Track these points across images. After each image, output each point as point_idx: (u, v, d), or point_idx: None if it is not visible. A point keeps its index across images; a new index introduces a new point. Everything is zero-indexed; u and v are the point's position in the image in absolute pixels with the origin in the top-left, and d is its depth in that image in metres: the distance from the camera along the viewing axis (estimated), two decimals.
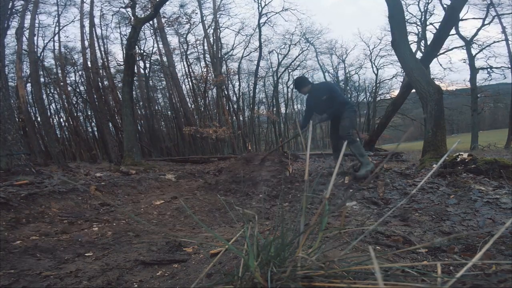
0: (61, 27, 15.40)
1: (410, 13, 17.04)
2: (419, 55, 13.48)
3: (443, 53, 16.71)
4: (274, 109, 23.91)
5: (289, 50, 21.97)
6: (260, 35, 18.79)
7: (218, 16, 17.50)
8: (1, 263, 1.25)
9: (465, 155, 3.27)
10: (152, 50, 17.08)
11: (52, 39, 15.97)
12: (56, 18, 15.20)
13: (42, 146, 14.21)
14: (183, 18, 14.20)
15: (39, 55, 14.84)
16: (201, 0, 16.75)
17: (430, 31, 16.73)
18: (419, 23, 17.65)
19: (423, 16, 17.26)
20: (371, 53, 22.89)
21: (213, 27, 17.27)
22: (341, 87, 22.36)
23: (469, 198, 2.28)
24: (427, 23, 17.20)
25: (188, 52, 18.23)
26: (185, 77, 19.28)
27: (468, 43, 15.33)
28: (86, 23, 13.69)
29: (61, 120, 18.57)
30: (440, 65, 17.93)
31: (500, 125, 32.91)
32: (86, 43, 13.87)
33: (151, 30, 15.75)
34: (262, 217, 2.28)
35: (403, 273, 0.72)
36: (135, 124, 9.30)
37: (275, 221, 2.06)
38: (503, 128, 23.33)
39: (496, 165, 2.93)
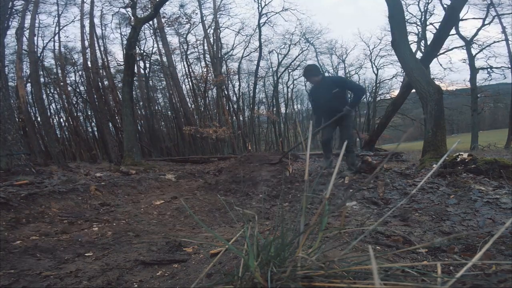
0: (61, 27, 15.43)
1: (410, 13, 17.08)
2: (419, 55, 13.49)
3: (443, 53, 16.74)
4: (274, 109, 23.92)
5: (289, 50, 22.03)
6: (260, 35, 18.81)
7: (218, 16, 17.52)
8: (1, 263, 1.25)
9: (465, 155, 3.27)
10: (152, 50, 17.12)
11: (52, 39, 16.00)
12: (56, 18, 15.23)
13: (42, 146, 14.22)
14: (183, 18, 14.20)
15: (39, 55, 14.84)
16: (201, 0, 16.77)
17: (430, 31, 16.76)
18: (419, 23, 17.66)
19: (423, 16, 17.28)
20: (371, 53, 22.92)
21: (213, 27, 17.29)
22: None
23: (469, 198, 2.28)
24: (427, 23, 17.22)
25: (188, 52, 18.27)
26: (185, 77, 19.32)
27: (468, 43, 15.34)
28: (86, 23, 13.70)
29: (61, 120, 18.61)
30: (440, 65, 17.95)
31: (500, 125, 32.93)
32: (86, 43, 13.89)
33: (151, 30, 15.76)
34: (262, 217, 2.28)
35: (403, 273, 0.72)
36: (135, 124, 9.30)
37: (275, 221, 2.06)
38: (503, 128, 23.34)
39: (496, 165, 2.93)
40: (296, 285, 0.59)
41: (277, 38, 30.04)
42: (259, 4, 18.51)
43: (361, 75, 29.89)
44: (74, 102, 18.15)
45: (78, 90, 17.81)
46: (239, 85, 22.60)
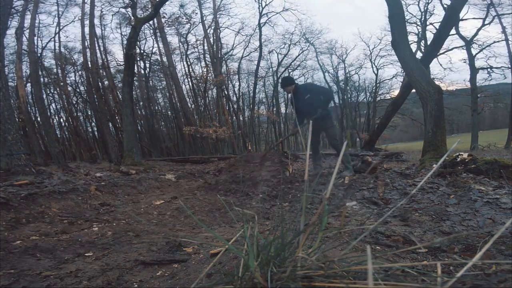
0: (61, 27, 15.43)
1: (410, 13, 17.07)
2: (419, 55, 13.49)
3: (443, 53, 16.73)
4: (274, 109, 23.92)
5: (289, 50, 22.00)
6: (260, 35, 18.79)
7: (218, 16, 17.51)
8: (1, 263, 1.25)
9: (465, 155, 3.27)
10: (152, 50, 17.12)
11: (52, 39, 16.00)
12: (56, 18, 15.23)
13: (42, 146, 14.21)
14: (183, 18, 14.21)
15: (39, 55, 14.84)
16: (201, 0, 16.76)
17: (430, 31, 16.76)
18: (419, 23, 17.66)
19: (423, 16, 17.28)
20: (371, 53, 22.92)
21: (213, 27, 17.28)
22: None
23: (469, 198, 2.28)
24: (427, 23, 17.22)
25: (188, 52, 18.25)
26: (185, 77, 19.30)
27: (468, 43, 15.34)
28: (86, 23, 13.69)
29: (61, 120, 18.60)
30: (440, 65, 17.94)
31: (500, 125, 32.91)
32: (86, 43, 13.89)
33: (151, 30, 15.76)
34: (262, 217, 2.28)
35: (403, 273, 0.72)
36: (135, 124, 9.30)
37: (275, 221, 2.06)
38: (503, 128, 23.33)
39: (496, 165, 2.93)
40: (296, 285, 0.59)
41: (277, 38, 30.00)
42: (260, 4, 18.52)
43: (361, 75, 29.95)
44: (74, 102, 18.14)
45: (78, 90, 17.81)
46: (239, 85, 22.61)
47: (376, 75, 23.62)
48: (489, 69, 15.70)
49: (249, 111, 22.18)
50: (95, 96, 13.52)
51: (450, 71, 19.80)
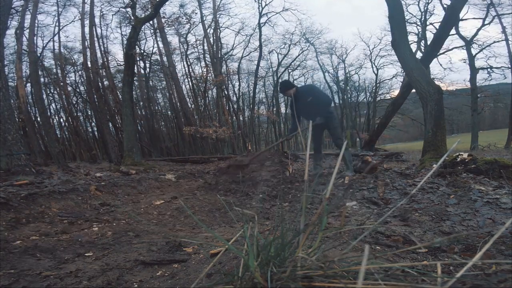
0: (61, 27, 15.42)
1: (410, 13, 17.08)
2: (419, 55, 13.48)
3: (443, 53, 16.74)
4: (274, 109, 23.93)
5: (289, 50, 22.02)
6: (260, 35, 18.81)
7: (218, 16, 17.51)
8: (1, 263, 1.25)
9: (465, 155, 3.27)
10: (152, 50, 17.13)
11: (52, 39, 16.00)
12: (56, 18, 15.23)
13: (42, 146, 14.21)
14: (183, 18, 14.21)
15: (39, 55, 14.83)
16: (201, 0, 16.76)
17: (430, 31, 16.76)
18: (419, 23, 17.67)
19: (423, 16, 17.29)
20: (371, 53, 22.94)
21: (213, 27, 17.28)
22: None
23: (469, 198, 2.28)
24: (427, 23, 17.23)
25: (188, 52, 18.25)
26: (185, 77, 19.30)
27: (468, 43, 15.34)
28: (86, 23, 13.69)
29: (61, 120, 18.60)
30: (440, 65, 17.95)
31: (500, 125, 32.92)
32: (86, 43, 13.88)
33: (151, 30, 15.76)
34: (262, 217, 2.28)
35: (403, 273, 0.72)
36: (135, 124, 9.30)
37: (275, 221, 2.06)
38: (503, 128, 23.34)
39: (496, 165, 2.92)
40: (296, 285, 0.59)
41: (277, 38, 30.06)
42: (260, 4, 18.53)
43: (361, 75, 29.98)
44: (74, 102, 18.14)
45: (78, 90, 17.81)
46: (239, 85, 22.63)
47: (376, 75, 23.66)
48: (489, 69, 15.72)
49: (249, 111, 22.20)
50: (95, 96, 13.51)
51: (450, 71, 19.83)
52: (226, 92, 17.56)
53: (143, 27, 10.41)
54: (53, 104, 18.81)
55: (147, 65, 17.16)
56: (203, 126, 13.52)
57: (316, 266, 0.63)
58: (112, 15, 15.77)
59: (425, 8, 16.95)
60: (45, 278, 1.14)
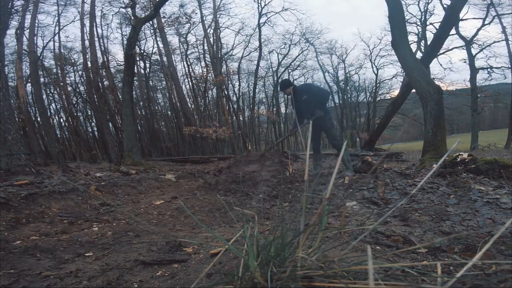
0: (61, 27, 15.42)
1: (410, 13, 17.08)
2: (419, 55, 13.49)
3: (443, 53, 16.73)
4: (274, 109, 23.92)
5: (289, 50, 22.02)
6: (260, 35, 18.79)
7: (218, 16, 17.51)
8: (1, 263, 1.25)
9: (465, 155, 3.27)
10: (152, 50, 17.13)
11: (52, 39, 15.99)
12: (56, 18, 15.23)
13: (42, 146, 14.20)
14: (183, 18, 14.20)
15: (39, 55, 14.83)
16: (201, 0, 16.75)
17: (430, 31, 16.76)
18: (419, 23, 17.66)
19: (423, 16, 17.28)
20: (371, 53, 22.94)
21: (213, 27, 17.27)
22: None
23: (469, 198, 2.28)
24: (427, 23, 17.22)
25: (188, 52, 18.25)
26: (185, 77, 19.30)
27: (468, 43, 15.33)
28: (86, 22, 13.69)
29: (61, 120, 18.61)
30: (440, 65, 17.94)
31: (500, 125, 32.92)
32: (86, 43, 13.88)
33: (151, 30, 15.76)
34: (262, 217, 2.28)
35: (403, 273, 0.72)
36: (135, 124, 9.29)
37: (275, 221, 2.06)
38: (503, 128, 23.34)
39: (496, 165, 2.93)
40: (296, 285, 0.59)
41: (277, 38, 30.09)
42: (259, 4, 18.52)
43: (361, 75, 30.00)
44: (74, 102, 18.14)
45: (78, 90, 17.81)
46: (239, 85, 22.63)
47: (376, 75, 23.66)
48: (489, 69, 15.71)
49: (249, 111, 22.21)
50: (95, 96, 13.50)
51: (450, 71, 19.83)
52: (226, 92, 17.56)
53: (143, 27, 10.41)
54: (53, 104, 18.84)
55: (147, 65, 17.18)
56: (203, 126, 13.52)
57: (316, 266, 0.63)
58: (112, 15, 15.80)
59: (425, 8, 16.96)
60: (45, 278, 1.14)
